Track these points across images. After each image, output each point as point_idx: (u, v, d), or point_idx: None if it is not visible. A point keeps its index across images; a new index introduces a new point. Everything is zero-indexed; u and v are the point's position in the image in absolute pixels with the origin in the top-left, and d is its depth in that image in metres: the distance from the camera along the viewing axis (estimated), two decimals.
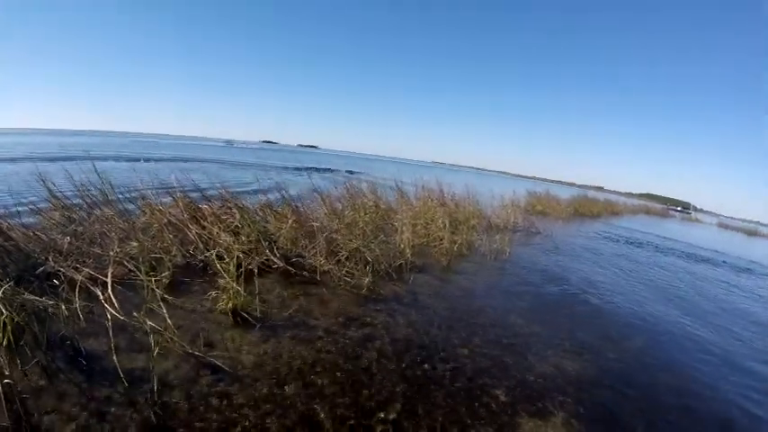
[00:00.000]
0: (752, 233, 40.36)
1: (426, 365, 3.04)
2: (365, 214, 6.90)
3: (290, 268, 4.49)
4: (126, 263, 3.54)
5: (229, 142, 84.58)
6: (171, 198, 5.16)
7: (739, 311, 6.35)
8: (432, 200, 8.74)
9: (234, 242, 4.23)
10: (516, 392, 2.87)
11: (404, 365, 2.98)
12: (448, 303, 4.43)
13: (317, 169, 22.95)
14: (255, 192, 7.41)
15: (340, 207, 6.68)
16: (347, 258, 4.73)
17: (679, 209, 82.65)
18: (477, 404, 2.66)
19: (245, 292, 3.40)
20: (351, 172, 24.72)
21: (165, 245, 4.25)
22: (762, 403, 3.37)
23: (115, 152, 22.95)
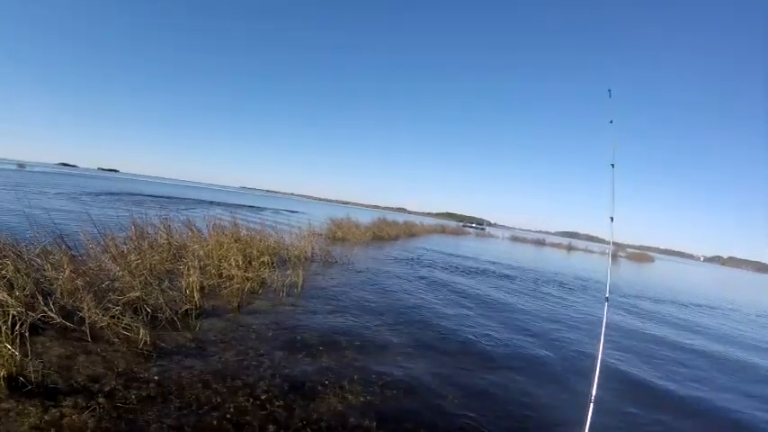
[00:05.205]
0: (539, 243, 51.12)
1: (209, 421, 3.35)
2: (154, 255, 7.15)
3: (69, 324, 4.64)
4: None
5: (21, 165, 73.99)
6: None
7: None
8: (225, 235, 9.24)
9: (8, 296, 4.25)
10: None
11: (187, 425, 3.27)
12: (235, 349, 4.86)
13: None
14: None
15: (126, 249, 6.82)
16: (126, 309, 4.93)
17: (474, 225, 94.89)
18: None
19: (20, 353, 3.57)
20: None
21: None
22: None
23: None
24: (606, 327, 3.04)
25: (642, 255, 59.51)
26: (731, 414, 5.58)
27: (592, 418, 2.80)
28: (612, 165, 3.41)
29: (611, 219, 3.34)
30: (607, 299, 3.31)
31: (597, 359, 2.92)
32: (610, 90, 3.66)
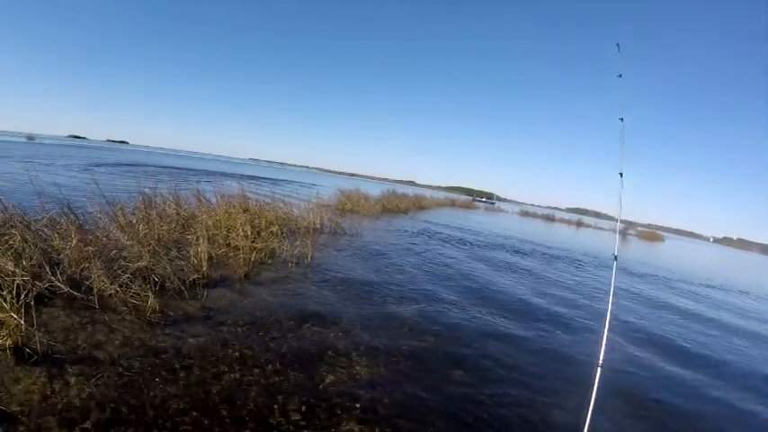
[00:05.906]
0: (549, 219, 51.27)
1: (214, 390, 3.32)
2: (162, 225, 7.11)
3: (76, 293, 4.60)
4: None
5: (31, 137, 75.04)
6: None
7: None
8: (234, 206, 9.19)
9: (14, 267, 4.19)
10: (309, 407, 3.30)
11: (192, 392, 3.25)
12: (242, 319, 4.81)
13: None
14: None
15: (135, 220, 6.78)
16: (133, 278, 4.84)
17: (484, 199, 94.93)
18: (267, 423, 3.04)
19: (27, 323, 3.52)
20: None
21: None
22: None
23: None
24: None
25: (652, 233, 58.59)
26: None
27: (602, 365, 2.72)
28: (621, 119, 3.36)
29: (621, 174, 3.21)
30: (615, 257, 3.21)
31: (606, 315, 2.91)
32: (618, 44, 3.55)
